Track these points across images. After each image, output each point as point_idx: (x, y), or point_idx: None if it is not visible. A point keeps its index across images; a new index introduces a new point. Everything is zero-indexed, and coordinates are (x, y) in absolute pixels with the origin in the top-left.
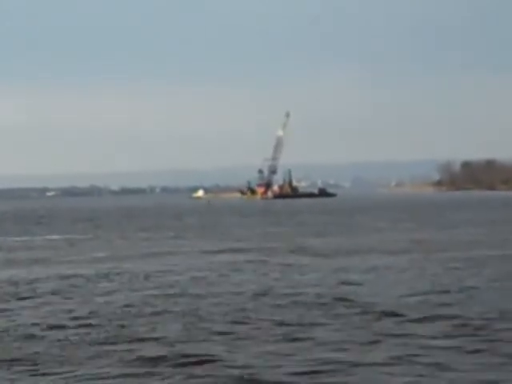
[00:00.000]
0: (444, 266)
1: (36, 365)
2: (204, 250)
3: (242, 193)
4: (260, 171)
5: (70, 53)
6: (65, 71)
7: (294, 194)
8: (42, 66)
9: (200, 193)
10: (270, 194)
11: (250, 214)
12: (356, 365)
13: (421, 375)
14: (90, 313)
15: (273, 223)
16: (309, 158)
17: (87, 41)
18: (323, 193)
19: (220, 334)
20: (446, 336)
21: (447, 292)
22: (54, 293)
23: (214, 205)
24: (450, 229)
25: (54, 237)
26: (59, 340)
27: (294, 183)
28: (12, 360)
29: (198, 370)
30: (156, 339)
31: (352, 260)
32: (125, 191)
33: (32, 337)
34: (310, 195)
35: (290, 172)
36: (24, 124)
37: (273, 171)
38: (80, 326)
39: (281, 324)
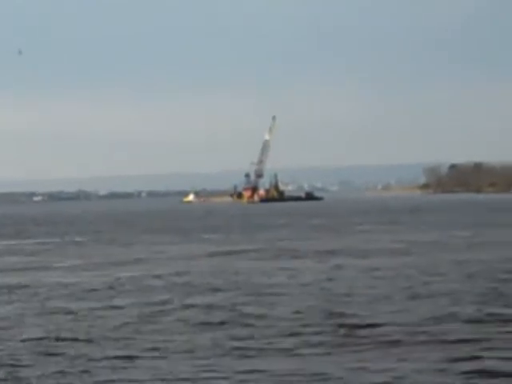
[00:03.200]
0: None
1: None
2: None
3: (232, 196)
4: (247, 175)
5: (60, 62)
6: (54, 79)
7: (281, 197)
8: (34, 75)
9: (191, 197)
10: (256, 197)
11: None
12: None
13: None
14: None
15: None
16: (296, 162)
17: (81, 50)
18: (310, 196)
19: None
20: None
21: None
22: None
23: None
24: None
25: None
26: None
27: (281, 187)
28: None
29: None
30: None
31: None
32: (112, 196)
33: None
34: (297, 199)
35: (276, 176)
36: (14, 130)
37: (259, 175)
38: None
39: None
